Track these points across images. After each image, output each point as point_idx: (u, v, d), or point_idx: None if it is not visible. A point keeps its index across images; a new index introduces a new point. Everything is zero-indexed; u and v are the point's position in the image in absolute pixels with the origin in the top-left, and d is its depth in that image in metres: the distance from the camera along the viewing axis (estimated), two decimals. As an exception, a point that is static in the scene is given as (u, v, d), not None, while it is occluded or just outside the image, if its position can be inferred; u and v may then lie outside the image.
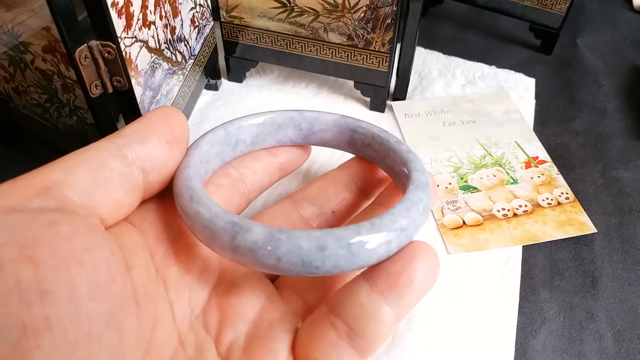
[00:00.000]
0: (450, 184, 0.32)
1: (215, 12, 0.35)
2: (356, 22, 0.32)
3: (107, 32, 0.23)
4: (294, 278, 0.22)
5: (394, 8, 0.31)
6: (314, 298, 0.21)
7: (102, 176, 0.17)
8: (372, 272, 0.18)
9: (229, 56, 0.38)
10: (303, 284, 0.22)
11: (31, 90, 0.28)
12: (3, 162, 0.33)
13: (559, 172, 0.33)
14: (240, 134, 0.24)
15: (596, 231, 0.30)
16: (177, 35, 0.30)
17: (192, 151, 0.21)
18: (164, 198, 0.21)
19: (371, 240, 0.17)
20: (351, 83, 0.37)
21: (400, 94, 0.38)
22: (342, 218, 0.25)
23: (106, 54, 0.24)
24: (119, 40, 0.23)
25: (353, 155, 0.27)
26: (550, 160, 0.34)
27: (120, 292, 0.15)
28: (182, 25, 0.30)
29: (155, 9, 0.27)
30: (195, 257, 0.20)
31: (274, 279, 0.23)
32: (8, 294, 0.13)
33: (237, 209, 0.23)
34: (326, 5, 0.32)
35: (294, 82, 0.40)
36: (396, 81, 0.37)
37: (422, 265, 0.18)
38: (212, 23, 0.35)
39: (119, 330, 0.15)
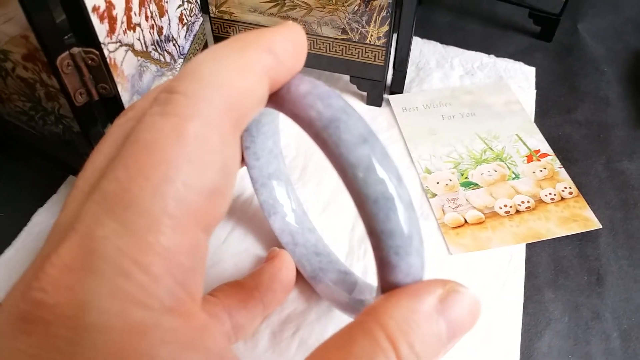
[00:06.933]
0: (450, 180, 0.32)
1: (204, 5, 0.34)
2: (350, 16, 0.31)
3: (89, 39, 0.22)
4: None
5: (389, 0, 0.30)
6: None
7: None
8: None
9: (220, 52, 0.36)
10: None
11: (14, 98, 0.27)
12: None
13: (561, 166, 0.32)
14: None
15: (601, 227, 0.29)
16: (164, 35, 0.29)
17: None
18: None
19: None
20: (347, 77, 0.36)
21: (398, 87, 0.37)
22: None
23: (89, 61, 0.22)
24: (102, 46, 0.22)
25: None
26: (553, 154, 0.33)
27: None
28: (169, 24, 0.29)
29: (140, 10, 0.25)
30: None
31: None
32: None
33: None
34: (319, -1, 0.31)
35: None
36: (393, 74, 0.36)
37: None
38: (201, 19, 0.34)
39: None
